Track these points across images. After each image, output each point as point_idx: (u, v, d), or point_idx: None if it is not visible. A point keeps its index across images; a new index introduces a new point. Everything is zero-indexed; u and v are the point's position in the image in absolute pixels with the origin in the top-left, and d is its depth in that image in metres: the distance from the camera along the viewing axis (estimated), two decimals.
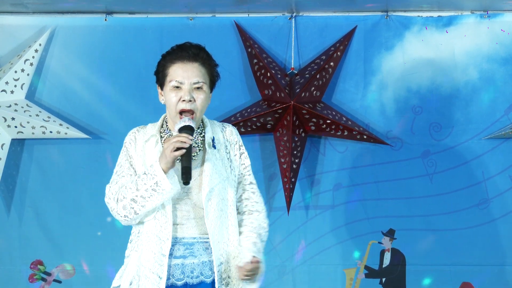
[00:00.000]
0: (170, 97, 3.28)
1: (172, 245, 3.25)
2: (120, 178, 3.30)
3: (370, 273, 5.39)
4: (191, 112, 3.26)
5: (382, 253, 5.38)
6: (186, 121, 3.22)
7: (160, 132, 3.37)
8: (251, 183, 3.43)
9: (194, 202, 3.29)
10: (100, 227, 5.41)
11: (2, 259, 5.43)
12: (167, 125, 3.37)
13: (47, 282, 5.44)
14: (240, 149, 3.42)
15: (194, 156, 3.30)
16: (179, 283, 3.25)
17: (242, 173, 3.41)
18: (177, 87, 3.28)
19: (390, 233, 5.37)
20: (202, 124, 3.38)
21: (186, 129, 3.19)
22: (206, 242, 3.29)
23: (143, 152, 3.32)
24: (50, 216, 5.42)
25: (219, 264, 3.26)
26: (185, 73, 3.28)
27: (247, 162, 3.43)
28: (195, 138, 3.32)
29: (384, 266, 5.39)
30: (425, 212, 5.34)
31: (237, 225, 3.35)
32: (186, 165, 3.15)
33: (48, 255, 5.43)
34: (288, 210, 5.30)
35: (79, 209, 5.42)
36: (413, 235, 5.34)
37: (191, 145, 3.16)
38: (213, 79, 3.36)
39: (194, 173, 3.26)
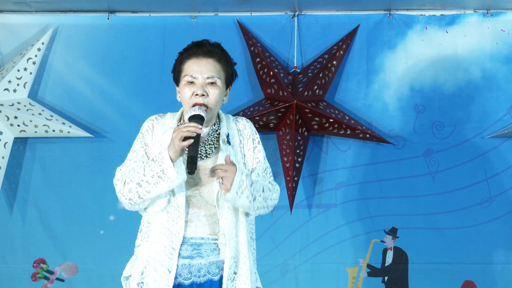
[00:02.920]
0: (184, 92, 3.30)
1: (180, 244, 3.25)
2: (132, 163, 3.30)
3: (373, 271, 5.40)
4: (204, 105, 3.26)
5: (385, 251, 5.38)
6: (196, 110, 3.22)
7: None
8: (265, 169, 3.41)
9: (205, 200, 3.29)
10: (102, 226, 5.41)
11: (5, 258, 5.43)
12: (184, 121, 3.35)
13: (49, 281, 5.44)
14: (253, 142, 3.41)
15: (209, 154, 3.30)
16: (186, 282, 3.25)
17: (255, 167, 3.40)
18: (191, 82, 3.30)
19: (393, 232, 5.37)
20: (218, 120, 3.39)
21: (196, 118, 3.19)
22: (215, 243, 3.29)
23: (159, 143, 3.32)
24: (52, 215, 5.42)
25: (232, 261, 3.26)
26: (198, 68, 3.30)
27: (260, 155, 3.41)
28: (210, 135, 3.33)
29: (386, 264, 5.39)
30: (427, 211, 5.34)
31: (246, 221, 3.33)
32: (192, 154, 3.14)
33: (51, 253, 5.42)
34: (291, 209, 5.30)
35: (82, 208, 5.41)
36: (415, 233, 5.34)
37: (199, 134, 3.15)
38: (228, 75, 3.36)
39: (208, 170, 3.26)
